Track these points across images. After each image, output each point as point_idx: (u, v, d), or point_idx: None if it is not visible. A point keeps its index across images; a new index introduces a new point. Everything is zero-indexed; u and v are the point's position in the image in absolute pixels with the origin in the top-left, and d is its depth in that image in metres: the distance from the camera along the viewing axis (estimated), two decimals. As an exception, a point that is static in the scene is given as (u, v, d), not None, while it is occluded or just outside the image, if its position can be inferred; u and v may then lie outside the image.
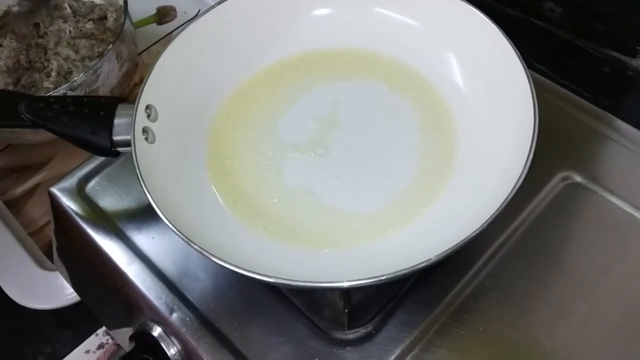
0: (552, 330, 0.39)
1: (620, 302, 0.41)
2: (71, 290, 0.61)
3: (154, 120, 0.43)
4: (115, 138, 0.42)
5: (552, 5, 0.52)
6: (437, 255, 0.34)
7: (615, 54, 0.50)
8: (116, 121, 0.42)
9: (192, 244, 0.35)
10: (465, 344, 0.39)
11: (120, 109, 0.42)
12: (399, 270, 0.34)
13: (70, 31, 0.68)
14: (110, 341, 0.64)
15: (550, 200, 0.45)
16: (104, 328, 0.64)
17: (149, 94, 0.42)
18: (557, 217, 0.44)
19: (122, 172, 0.49)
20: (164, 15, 0.82)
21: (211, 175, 0.44)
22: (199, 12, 0.72)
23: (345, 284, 0.34)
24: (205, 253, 0.35)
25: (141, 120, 0.41)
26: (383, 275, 0.33)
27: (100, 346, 0.64)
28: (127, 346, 0.46)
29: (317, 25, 0.49)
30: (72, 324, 0.67)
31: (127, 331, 0.47)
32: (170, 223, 0.36)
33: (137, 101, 0.41)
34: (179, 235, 0.36)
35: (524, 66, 0.41)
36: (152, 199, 0.37)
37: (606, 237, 0.43)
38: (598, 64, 0.51)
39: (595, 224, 0.44)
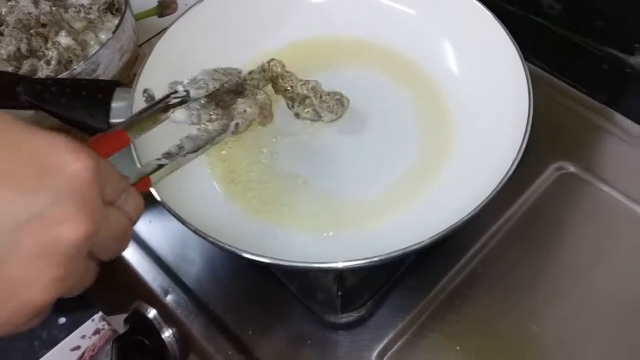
0: (543, 317, 0.40)
1: (611, 290, 0.41)
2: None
3: (152, 104, 0.43)
4: (113, 121, 0.42)
5: (551, 2, 0.52)
6: (429, 238, 0.34)
7: (614, 51, 0.50)
8: (114, 104, 0.42)
9: (188, 224, 0.36)
10: (457, 330, 0.39)
11: (118, 93, 0.42)
12: (392, 252, 0.34)
13: (70, 20, 0.68)
14: (106, 327, 0.64)
15: (544, 190, 0.45)
16: (100, 314, 0.65)
17: (146, 78, 0.43)
18: (551, 206, 0.44)
19: (120, 156, 0.49)
20: (164, 7, 0.82)
21: (207, 158, 0.44)
22: None
23: (340, 265, 0.34)
24: (201, 234, 0.35)
25: (139, 103, 0.42)
26: (376, 257, 0.34)
27: (96, 332, 0.65)
28: (122, 330, 0.46)
29: (313, 12, 0.49)
30: (68, 309, 0.68)
31: (123, 316, 0.47)
32: (166, 204, 0.36)
33: (134, 85, 0.42)
34: (175, 216, 0.36)
35: (519, 54, 0.41)
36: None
37: (599, 226, 0.43)
38: (596, 61, 0.51)
39: (589, 213, 0.44)
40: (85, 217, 0.23)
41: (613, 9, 0.49)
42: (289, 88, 0.43)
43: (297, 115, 0.44)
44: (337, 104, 0.43)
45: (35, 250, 0.23)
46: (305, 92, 0.43)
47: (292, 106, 0.44)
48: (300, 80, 0.43)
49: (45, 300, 0.23)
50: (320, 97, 0.43)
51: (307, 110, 0.43)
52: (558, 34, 0.53)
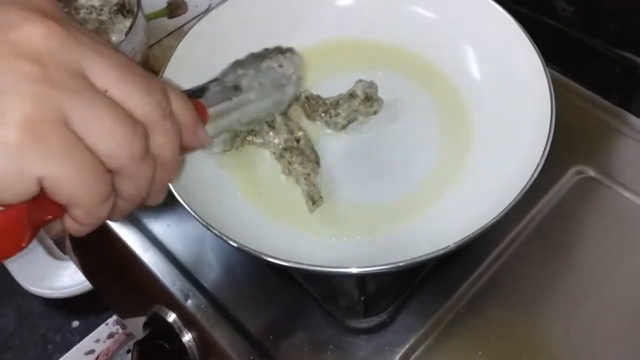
0: (565, 321, 0.40)
1: (632, 294, 0.41)
2: (81, 279, 0.61)
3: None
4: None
5: (564, 4, 0.52)
6: (455, 243, 0.34)
7: (627, 54, 0.50)
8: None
9: (211, 228, 0.36)
10: (478, 334, 0.39)
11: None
12: (417, 257, 0.34)
13: (83, 22, 0.68)
14: (120, 330, 0.64)
15: (564, 194, 0.45)
16: (114, 318, 0.64)
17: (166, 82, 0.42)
18: (571, 210, 0.44)
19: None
20: (174, 8, 0.82)
21: (227, 163, 0.44)
22: (210, 5, 0.72)
23: (359, 270, 0.34)
24: (224, 237, 0.35)
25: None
26: (401, 262, 0.34)
27: (110, 335, 0.64)
28: (139, 334, 0.46)
29: (338, 15, 0.49)
30: (82, 313, 0.67)
31: (141, 319, 0.47)
32: (189, 207, 0.36)
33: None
34: (197, 219, 0.36)
35: (541, 59, 0.41)
36: (172, 185, 0.37)
37: (619, 230, 0.43)
38: (609, 63, 0.51)
39: (609, 218, 0.44)
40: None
41: (626, 11, 0.49)
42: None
43: (335, 124, 0.44)
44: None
45: None
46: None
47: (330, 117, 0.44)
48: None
49: (31, 114, 0.19)
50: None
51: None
52: (571, 36, 0.53)
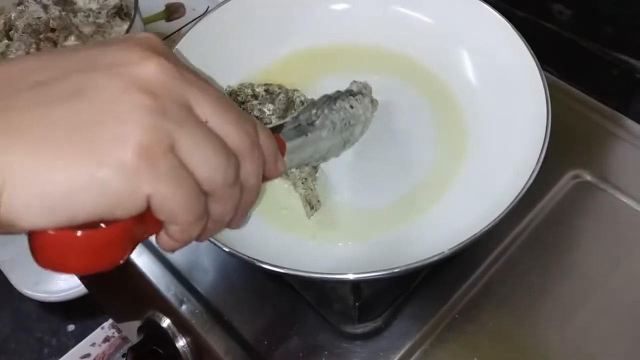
0: (561, 326, 0.39)
1: (628, 300, 0.41)
2: (77, 283, 0.61)
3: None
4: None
5: (561, 7, 0.52)
6: (449, 249, 0.34)
7: (624, 57, 0.50)
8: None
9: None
10: (474, 340, 0.39)
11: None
12: (412, 263, 0.34)
13: (79, 25, 0.68)
14: (116, 334, 0.64)
15: (560, 198, 0.45)
16: (110, 321, 0.64)
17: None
18: (567, 215, 0.44)
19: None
20: (172, 12, 0.82)
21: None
22: (207, 9, 0.72)
23: (355, 276, 0.34)
24: (218, 243, 0.35)
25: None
26: (396, 268, 0.34)
27: (106, 339, 0.64)
28: (134, 339, 0.46)
29: (333, 19, 0.49)
30: (77, 317, 0.67)
31: (135, 324, 0.47)
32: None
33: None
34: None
35: (536, 62, 0.41)
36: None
37: (615, 235, 0.43)
38: (606, 66, 0.51)
39: (605, 222, 0.44)
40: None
41: (623, 15, 0.49)
42: None
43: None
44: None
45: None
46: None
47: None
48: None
49: (146, 141, 0.21)
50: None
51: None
52: (568, 39, 0.53)
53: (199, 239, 0.26)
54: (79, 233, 0.21)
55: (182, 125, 0.23)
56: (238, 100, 0.44)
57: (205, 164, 0.23)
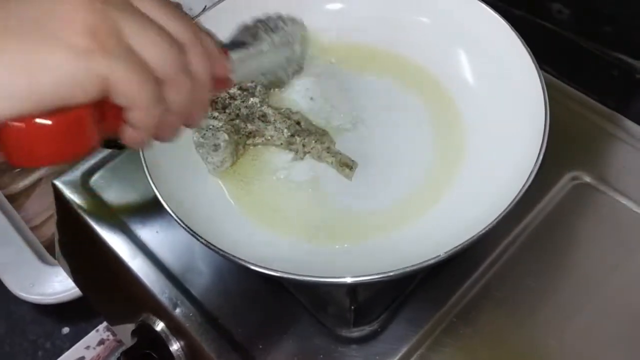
0: (559, 330, 0.39)
1: (628, 303, 0.40)
2: (72, 285, 0.61)
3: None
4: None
5: (560, 7, 0.51)
6: (445, 252, 0.34)
7: (623, 57, 0.49)
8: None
9: (198, 237, 0.35)
10: (471, 343, 0.39)
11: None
12: (407, 267, 0.33)
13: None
14: (111, 337, 0.63)
15: (559, 200, 0.44)
16: (104, 324, 0.64)
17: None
18: (566, 216, 0.44)
19: (127, 165, 0.49)
20: (169, 12, 0.82)
21: (216, 167, 0.44)
22: (205, 8, 0.72)
23: (352, 280, 0.33)
24: (211, 246, 0.35)
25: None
26: (391, 272, 0.33)
27: (101, 342, 0.64)
28: (129, 342, 0.45)
29: (329, 19, 0.49)
30: (72, 319, 0.67)
31: (130, 327, 0.46)
32: (176, 215, 0.36)
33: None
34: (184, 228, 0.35)
35: (534, 63, 0.41)
36: (158, 192, 0.37)
37: (614, 237, 0.43)
38: (605, 66, 0.50)
39: (604, 224, 0.44)
40: None
41: (622, 14, 0.48)
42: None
43: None
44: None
45: None
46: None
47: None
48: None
49: (92, 23, 0.23)
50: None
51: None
52: (567, 39, 0.52)
53: (164, 135, 0.28)
54: (45, 120, 0.23)
55: (124, 11, 0.24)
56: (220, 108, 0.44)
57: (152, 47, 0.25)
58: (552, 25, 0.53)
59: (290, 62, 0.43)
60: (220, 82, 0.31)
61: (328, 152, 0.43)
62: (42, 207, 0.69)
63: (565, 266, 0.42)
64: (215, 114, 0.43)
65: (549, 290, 0.41)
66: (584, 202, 0.45)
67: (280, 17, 0.42)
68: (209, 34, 0.30)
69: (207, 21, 0.46)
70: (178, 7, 0.72)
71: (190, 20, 0.28)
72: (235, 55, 0.35)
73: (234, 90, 0.45)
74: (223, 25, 0.46)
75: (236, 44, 0.38)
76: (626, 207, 0.44)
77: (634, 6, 0.47)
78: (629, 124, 0.49)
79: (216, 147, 0.42)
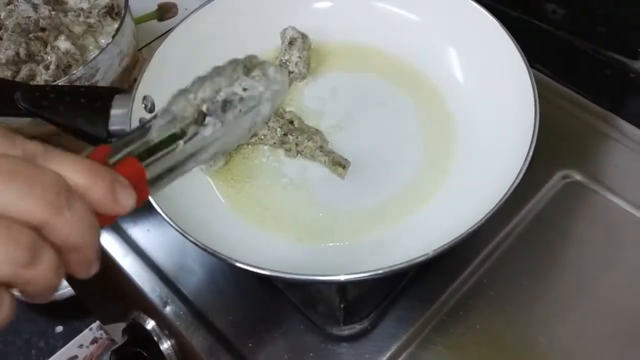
0: (550, 328, 0.39)
1: (618, 301, 0.40)
2: (65, 284, 0.61)
3: (151, 111, 0.42)
4: (112, 128, 0.41)
5: (555, 7, 0.51)
6: (434, 250, 0.33)
7: (617, 56, 0.49)
8: (113, 112, 0.41)
9: (187, 235, 0.35)
10: (461, 342, 0.39)
11: (117, 100, 0.42)
12: (396, 265, 0.33)
13: (69, 25, 0.67)
14: (104, 336, 0.64)
15: (550, 199, 0.44)
16: (97, 323, 0.64)
17: (146, 85, 0.42)
18: (557, 215, 0.44)
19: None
20: (165, 11, 0.82)
21: (208, 167, 0.44)
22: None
23: (342, 278, 0.33)
24: (201, 245, 0.35)
25: (138, 111, 0.41)
26: (380, 270, 0.33)
27: (94, 341, 0.64)
28: (121, 340, 0.45)
29: (318, 18, 0.49)
30: (65, 318, 0.67)
31: (121, 326, 0.46)
32: (166, 214, 0.36)
33: (134, 91, 0.41)
34: (174, 227, 0.35)
35: (524, 61, 0.41)
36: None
37: (605, 236, 0.43)
38: (600, 66, 0.50)
39: (595, 223, 0.43)
40: None
41: (616, 14, 0.49)
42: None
43: None
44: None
45: None
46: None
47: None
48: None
49: None
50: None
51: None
52: (561, 39, 0.52)
53: (78, 272, 0.24)
54: None
55: None
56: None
57: None
58: (546, 25, 0.53)
59: (255, 125, 0.31)
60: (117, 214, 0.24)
61: (321, 151, 0.42)
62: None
63: (557, 264, 0.42)
64: None
65: (539, 289, 0.41)
66: (576, 200, 0.44)
67: (237, 77, 0.31)
68: (89, 169, 0.23)
69: (203, 19, 0.46)
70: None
71: (47, 184, 0.21)
72: (155, 167, 0.27)
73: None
74: (208, 26, 0.47)
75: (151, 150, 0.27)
76: (617, 205, 0.44)
77: (628, 6, 0.47)
78: (622, 123, 0.49)
79: None
